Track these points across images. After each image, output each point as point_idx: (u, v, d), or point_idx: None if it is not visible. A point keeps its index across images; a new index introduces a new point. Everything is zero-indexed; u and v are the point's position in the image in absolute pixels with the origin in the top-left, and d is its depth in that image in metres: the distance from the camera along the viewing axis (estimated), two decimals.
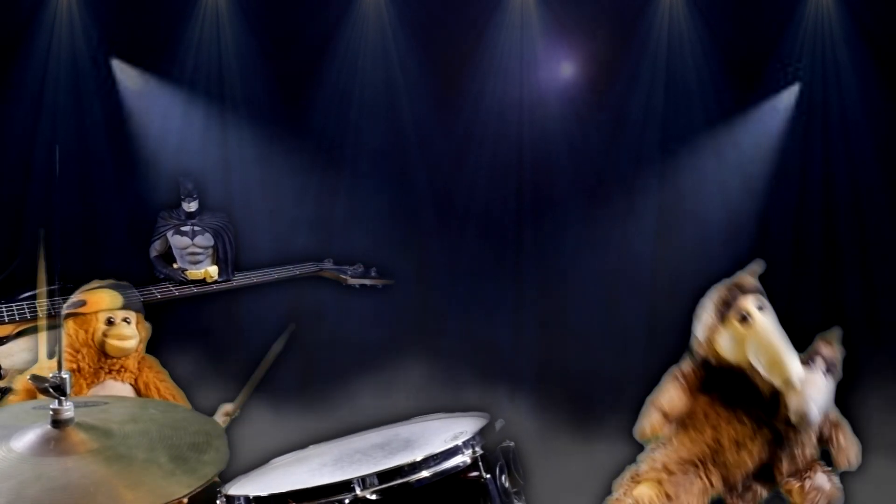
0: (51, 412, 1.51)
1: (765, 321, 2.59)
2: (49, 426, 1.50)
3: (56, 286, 3.21)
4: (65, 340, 2.86)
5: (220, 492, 2.33)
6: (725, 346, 2.63)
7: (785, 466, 2.62)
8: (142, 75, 4.53)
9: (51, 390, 1.52)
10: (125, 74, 4.51)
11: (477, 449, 2.11)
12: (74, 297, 2.99)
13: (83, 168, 4.45)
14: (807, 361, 2.61)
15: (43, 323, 2.93)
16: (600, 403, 4.52)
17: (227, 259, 3.80)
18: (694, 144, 4.65)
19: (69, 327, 2.89)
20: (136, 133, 4.53)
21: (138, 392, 2.98)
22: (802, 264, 4.56)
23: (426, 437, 2.36)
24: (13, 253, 3.69)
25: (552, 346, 4.68)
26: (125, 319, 2.95)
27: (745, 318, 2.60)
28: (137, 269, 4.02)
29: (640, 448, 2.75)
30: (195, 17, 4.55)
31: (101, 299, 2.95)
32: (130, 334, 2.95)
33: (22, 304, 3.06)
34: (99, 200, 4.53)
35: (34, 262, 2.00)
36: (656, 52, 4.60)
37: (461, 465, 2.06)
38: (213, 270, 3.71)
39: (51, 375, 1.52)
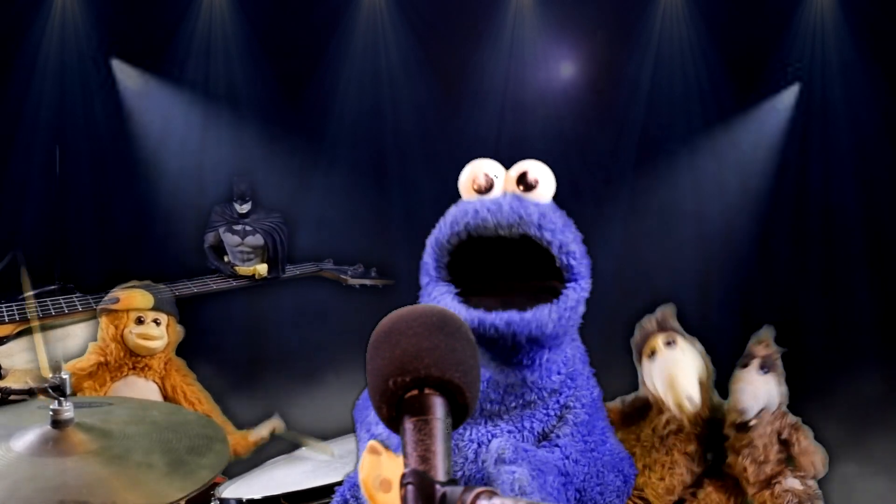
0: (50, 412, 1.51)
1: (670, 353, 2.63)
2: (49, 426, 1.51)
3: (56, 286, 3.21)
4: (98, 334, 3.01)
5: (213, 495, 2.33)
6: (646, 381, 2.70)
7: (751, 474, 2.59)
8: (142, 75, 4.53)
9: (50, 391, 1.52)
10: (125, 74, 4.51)
11: None
12: (111, 294, 3.08)
13: (83, 168, 4.45)
14: (743, 364, 2.64)
15: (37, 324, 2.94)
16: None
17: (277, 258, 3.81)
18: (693, 144, 4.64)
19: (102, 321, 3.01)
20: (136, 133, 4.53)
21: (165, 394, 3.03)
22: (802, 263, 4.56)
23: None
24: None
25: None
26: (155, 321, 3.02)
27: (653, 354, 2.66)
28: (137, 269, 4.02)
29: None
30: (195, 18, 4.56)
31: (134, 298, 3.03)
32: (157, 335, 3.01)
33: (22, 304, 3.06)
34: (99, 200, 4.53)
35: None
36: (655, 52, 4.59)
37: None
38: (262, 268, 3.75)
39: (50, 376, 1.52)
